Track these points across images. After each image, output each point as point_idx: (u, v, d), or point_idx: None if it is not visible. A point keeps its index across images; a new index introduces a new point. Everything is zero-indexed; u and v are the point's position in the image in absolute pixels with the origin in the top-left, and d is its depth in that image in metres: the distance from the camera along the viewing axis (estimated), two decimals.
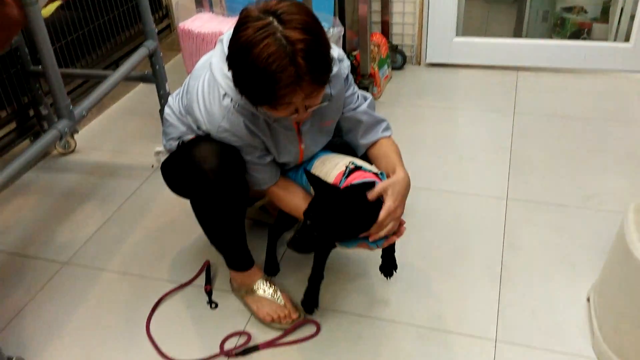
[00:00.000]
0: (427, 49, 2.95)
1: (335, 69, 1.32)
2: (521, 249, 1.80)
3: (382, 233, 1.33)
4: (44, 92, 2.27)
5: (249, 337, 1.54)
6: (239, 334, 1.57)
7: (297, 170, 1.59)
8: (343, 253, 1.80)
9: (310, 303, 1.61)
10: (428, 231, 1.89)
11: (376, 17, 2.91)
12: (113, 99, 2.79)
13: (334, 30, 2.24)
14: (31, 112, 2.32)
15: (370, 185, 1.32)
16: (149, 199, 2.12)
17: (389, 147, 1.54)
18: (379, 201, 1.32)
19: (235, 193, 1.45)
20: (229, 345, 1.53)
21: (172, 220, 2.01)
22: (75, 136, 2.44)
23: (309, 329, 1.57)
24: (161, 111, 2.19)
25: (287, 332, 1.55)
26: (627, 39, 2.77)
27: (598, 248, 1.76)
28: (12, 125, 2.26)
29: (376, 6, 2.88)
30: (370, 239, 1.35)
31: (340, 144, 1.60)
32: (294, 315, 1.58)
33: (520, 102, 2.63)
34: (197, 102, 1.38)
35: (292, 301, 1.62)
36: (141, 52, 1.92)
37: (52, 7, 1.66)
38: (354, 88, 1.52)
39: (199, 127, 1.42)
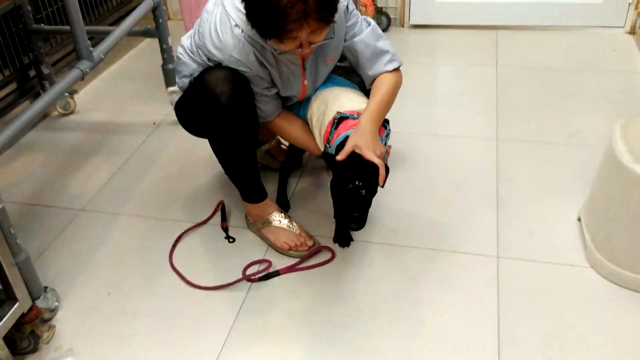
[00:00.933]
0: (410, 10, 3.06)
1: None
2: (514, 181, 1.94)
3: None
4: (45, 51, 2.31)
5: (270, 263, 1.64)
6: (260, 262, 1.66)
7: (299, 107, 1.71)
8: None
9: (344, 237, 1.70)
10: (427, 171, 2.01)
11: None
12: (106, 63, 2.83)
13: None
14: (31, 73, 2.35)
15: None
16: (155, 152, 2.19)
17: (380, 84, 1.58)
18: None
19: (246, 118, 1.53)
20: (250, 272, 1.62)
21: (180, 169, 2.09)
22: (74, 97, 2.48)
23: (325, 255, 1.67)
24: (163, 65, 2.25)
25: (304, 259, 1.65)
26: None
27: (584, 177, 1.91)
28: (13, 86, 2.29)
29: None
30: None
31: (357, 82, 1.69)
32: (310, 243, 1.68)
33: (502, 57, 2.77)
34: (209, 35, 1.47)
35: (306, 230, 1.72)
36: (147, 3, 1.97)
37: None
38: (356, 18, 1.58)
39: (209, 59, 1.50)
